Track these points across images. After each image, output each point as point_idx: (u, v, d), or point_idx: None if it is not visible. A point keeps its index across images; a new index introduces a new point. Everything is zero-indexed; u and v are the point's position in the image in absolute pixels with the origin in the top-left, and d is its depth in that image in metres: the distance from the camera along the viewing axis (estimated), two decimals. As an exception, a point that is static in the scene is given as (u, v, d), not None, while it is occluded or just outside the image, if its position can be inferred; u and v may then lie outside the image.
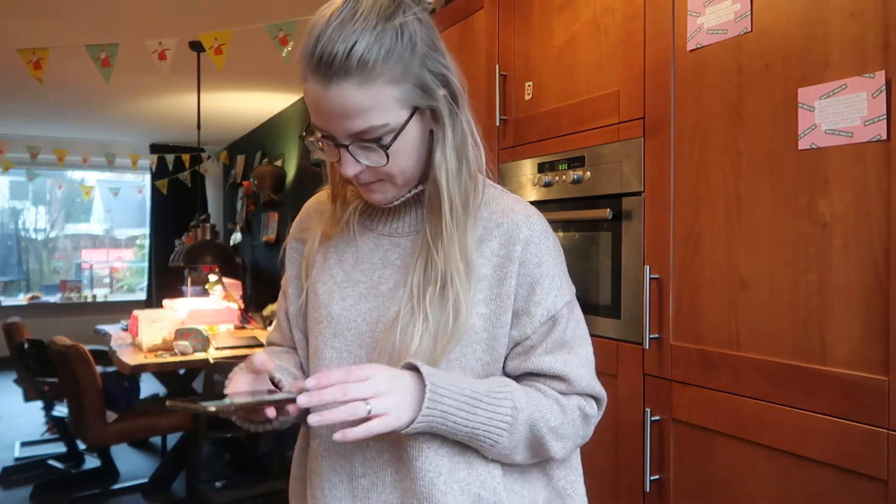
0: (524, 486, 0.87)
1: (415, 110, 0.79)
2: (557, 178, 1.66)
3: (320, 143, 0.81)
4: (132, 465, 3.82)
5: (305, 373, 0.95)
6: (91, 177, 7.91)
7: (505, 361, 0.87)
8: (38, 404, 4.10)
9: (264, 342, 1.07)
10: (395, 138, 0.77)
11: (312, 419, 0.70)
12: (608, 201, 1.52)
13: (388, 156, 0.78)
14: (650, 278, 1.38)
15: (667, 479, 1.36)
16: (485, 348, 0.84)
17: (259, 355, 0.78)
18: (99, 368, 3.13)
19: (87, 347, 3.08)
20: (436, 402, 0.75)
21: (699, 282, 1.30)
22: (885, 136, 1.00)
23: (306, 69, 0.75)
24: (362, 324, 0.86)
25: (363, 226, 0.93)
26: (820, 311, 1.09)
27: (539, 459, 0.87)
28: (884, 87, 1.00)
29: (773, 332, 1.16)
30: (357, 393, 0.72)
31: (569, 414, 0.85)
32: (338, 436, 0.71)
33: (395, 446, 0.83)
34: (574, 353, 0.87)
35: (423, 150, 0.83)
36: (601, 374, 1.53)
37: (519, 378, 0.87)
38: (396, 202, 0.87)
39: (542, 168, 1.73)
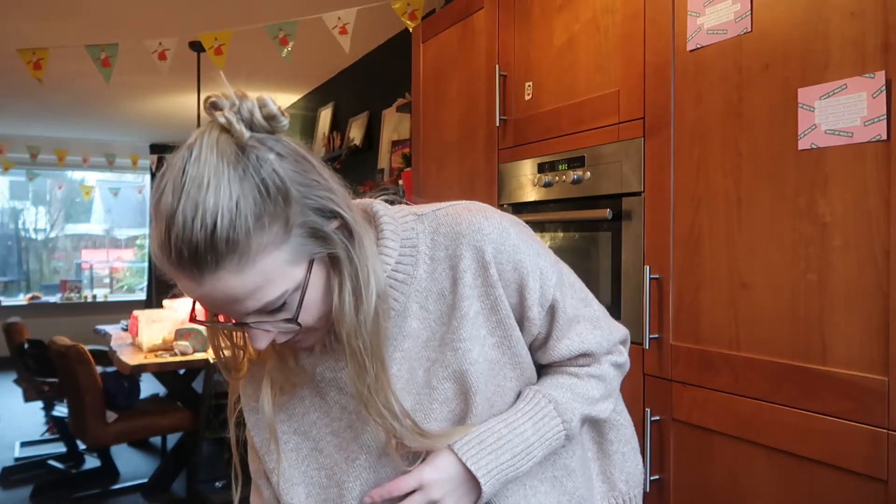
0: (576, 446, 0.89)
1: (311, 261, 0.68)
2: (557, 178, 1.66)
3: (219, 325, 0.73)
4: (132, 465, 3.82)
5: None
6: (91, 177, 7.91)
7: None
8: (38, 404, 4.09)
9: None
10: (299, 301, 0.68)
11: None
12: (608, 201, 1.52)
13: (297, 321, 0.68)
14: (650, 278, 1.38)
15: (667, 479, 1.36)
16: (512, 366, 0.83)
17: None
18: (99, 368, 3.13)
19: (87, 347, 3.08)
20: (493, 487, 0.75)
21: (699, 282, 1.30)
22: (885, 136, 1.00)
23: (168, 266, 0.63)
24: (371, 443, 0.80)
25: (337, 346, 0.81)
26: (820, 311, 1.09)
27: None
28: (884, 87, 1.00)
29: (773, 332, 1.16)
30: None
31: (607, 377, 0.86)
32: None
33: None
34: (583, 321, 0.85)
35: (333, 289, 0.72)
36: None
37: (544, 367, 0.88)
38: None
39: (542, 168, 1.73)
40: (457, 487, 0.74)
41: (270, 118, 0.65)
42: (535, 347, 0.86)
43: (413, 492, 0.73)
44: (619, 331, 0.90)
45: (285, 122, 0.66)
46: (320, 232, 0.67)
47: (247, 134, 0.63)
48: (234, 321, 0.70)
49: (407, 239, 0.80)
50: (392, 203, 0.84)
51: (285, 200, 0.63)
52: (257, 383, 0.83)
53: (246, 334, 0.73)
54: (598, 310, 0.89)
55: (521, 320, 0.82)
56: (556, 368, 0.87)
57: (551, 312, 0.83)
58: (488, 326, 0.80)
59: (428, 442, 0.75)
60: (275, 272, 0.64)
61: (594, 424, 0.93)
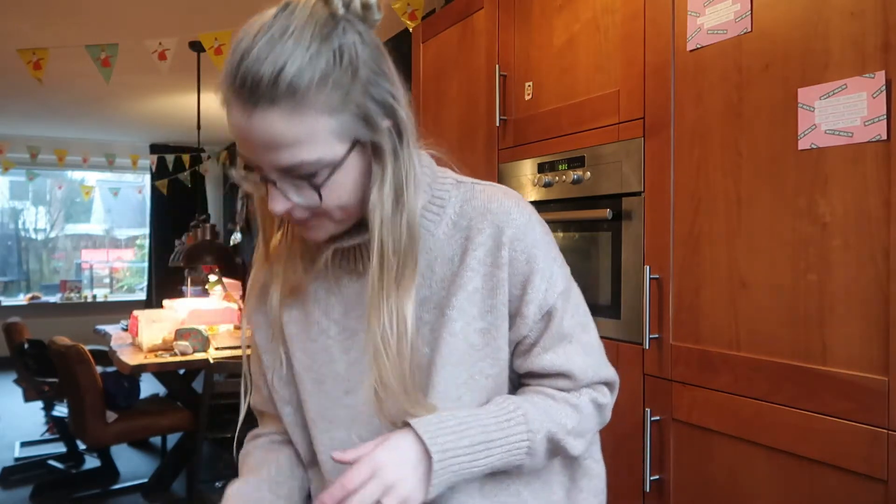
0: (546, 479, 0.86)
1: (355, 144, 0.69)
2: (557, 178, 1.66)
3: (245, 175, 0.73)
4: (132, 465, 3.82)
5: (303, 458, 0.88)
6: (91, 177, 7.91)
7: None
8: (38, 404, 4.09)
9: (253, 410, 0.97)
10: (329, 176, 0.69)
11: None
12: (608, 201, 1.52)
13: (321, 195, 0.69)
14: (650, 278, 1.38)
15: (667, 479, 1.36)
16: (491, 363, 0.80)
17: None
18: (99, 368, 3.13)
19: (87, 347, 3.08)
20: (445, 469, 0.71)
21: (699, 282, 1.30)
22: (885, 136, 1.00)
23: (228, 91, 0.65)
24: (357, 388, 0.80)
25: (339, 267, 0.83)
26: (820, 311, 1.09)
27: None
28: (884, 87, 1.00)
29: (773, 332, 1.16)
30: (369, 499, 0.67)
31: (583, 411, 0.81)
32: None
33: None
34: (575, 342, 0.81)
35: (365, 187, 0.73)
36: (601, 374, 1.53)
37: (523, 377, 0.85)
38: (355, 241, 0.79)
39: (542, 168, 1.73)
40: (412, 470, 0.70)
41: (366, 7, 0.69)
42: (519, 353, 0.83)
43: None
44: (610, 371, 0.85)
45: (378, 16, 0.70)
46: (372, 120, 0.69)
47: (342, 10, 0.67)
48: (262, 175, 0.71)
49: (438, 197, 0.81)
50: (437, 161, 0.86)
51: (353, 75, 0.66)
52: (266, 286, 0.86)
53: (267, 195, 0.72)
54: (594, 340, 0.85)
55: (515, 315, 0.80)
56: (533, 387, 0.83)
57: (547, 319, 0.81)
58: (481, 308, 0.79)
59: (405, 401, 0.74)
60: (318, 134, 0.66)
61: (567, 467, 0.87)
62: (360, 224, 0.77)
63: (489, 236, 0.79)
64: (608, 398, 0.86)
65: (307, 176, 0.68)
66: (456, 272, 0.79)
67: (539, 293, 0.80)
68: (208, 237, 4.35)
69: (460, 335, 0.78)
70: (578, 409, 0.81)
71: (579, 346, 0.82)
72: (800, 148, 1.12)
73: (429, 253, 0.80)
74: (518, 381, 0.86)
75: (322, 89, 0.64)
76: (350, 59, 0.66)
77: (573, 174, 1.60)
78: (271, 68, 0.62)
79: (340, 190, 0.71)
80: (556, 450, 0.79)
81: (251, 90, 0.63)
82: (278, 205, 0.70)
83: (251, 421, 0.96)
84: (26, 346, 3.87)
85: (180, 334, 3.32)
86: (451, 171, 0.86)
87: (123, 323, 4.32)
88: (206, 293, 4.99)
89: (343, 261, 0.83)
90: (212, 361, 3.06)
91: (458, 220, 0.80)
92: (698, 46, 1.30)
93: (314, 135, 0.66)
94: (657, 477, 1.38)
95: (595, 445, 0.92)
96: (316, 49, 0.64)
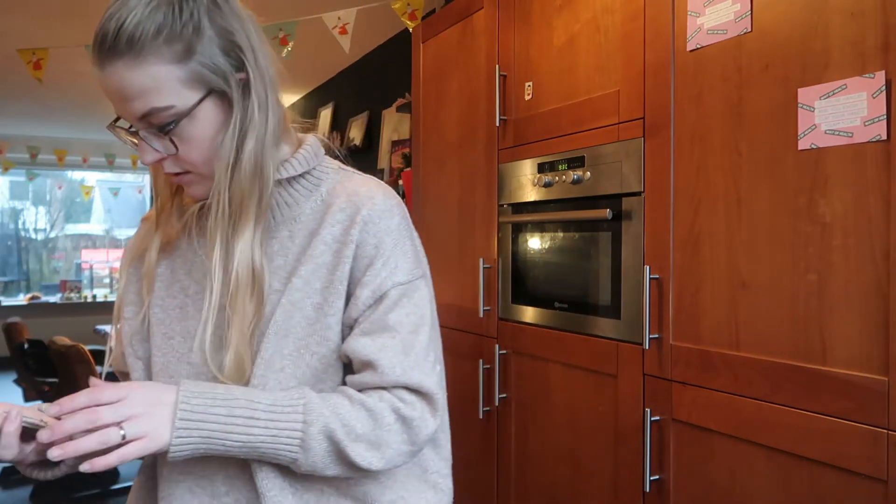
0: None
1: (208, 93, 0.74)
2: (557, 178, 1.66)
3: (119, 131, 0.79)
4: (132, 464, 3.81)
5: None
6: (91, 177, 7.91)
7: None
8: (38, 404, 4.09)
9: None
10: (179, 120, 0.73)
11: (53, 453, 0.63)
12: (608, 201, 1.52)
13: (174, 143, 0.74)
14: (650, 278, 1.38)
15: (667, 480, 1.36)
16: (318, 340, 0.79)
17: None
18: (99, 368, 3.13)
19: (87, 347, 3.08)
20: (191, 422, 0.69)
21: (699, 282, 1.30)
22: (885, 137, 1.00)
23: (90, 53, 0.73)
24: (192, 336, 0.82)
25: (204, 232, 0.84)
26: (820, 311, 1.09)
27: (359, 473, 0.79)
28: (884, 87, 1.00)
29: (773, 332, 1.16)
30: (109, 418, 0.66)
31: (380, 419, 0.75)
32: (85, 466, 0.65)
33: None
34: (398, 338, 0.78)
35: None
36: (601, 374, 1.53)
37: (348, 364, 0.83)
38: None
39: (542, 168, 1.73)
40: (162, 415, 0.69)
41: None
42: (345, 338, 0.82)
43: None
44: (427, 380, 0.78)
45: None
46: (221, 71, 0.74)
47: None
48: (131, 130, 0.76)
49: (315, 176, 0.86)
50: (328, 151, 0.91)
51: (195, 28, 0.72)
52: (144, 242, 0.90)
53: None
54: (422, 344, 0.80)
55: (349, 295, 0.81)
56: (339, 387, 0.81)
57: (377, 304, 0.79)
58: (322, 282, 0.80)
59: (223, 360, 0.76)
60: (164, 82, 0.71)
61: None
62: None
63: (347, 215, 0.81)
64: (418, 412, 0.78)
65: (164, 125, 0.73)
66: (308, 243, 0.81)
67: (377, 278, 0.80)
68: (208, 237, 4.34)
69: (297, 305, 0.79)
70: (374, 416, 0.76)
71: (399, 341, 0.78)
72: (800, 148, 1.12)
73: (293, 223, 0.83)
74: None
75: (158, 39, 0.70)
76: (191, 13, 0.72)
77: (573, 174, 1.60)
78: (115, 24, 0.69)
79: (198, 140, 0.75)
80: (339, 454, 0.74)
81: (100, 46, 0.70)
82: (146, 155, 0.76)
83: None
84: (26, 346, 3.87)
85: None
86: (339, 162, 0.90)
87: (123, 323, 4.31)
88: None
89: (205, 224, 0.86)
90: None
91: (327, 198, 0.84)
92: (698, 46, 1.30)
93: (160, 82, 0.71)
94: (657, 477, 1.38)
95: (442, 461, 0.89)
96: (155, 4, 0.70)
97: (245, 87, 0.76)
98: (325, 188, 0.85)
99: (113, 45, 0.69)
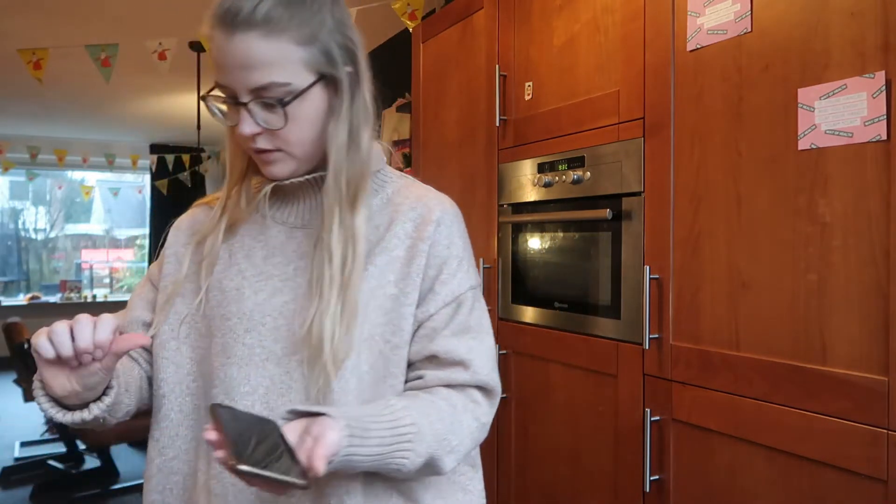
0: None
1: (320, 77, 0.79)
2: (557, 178, 1.66)
3: (219, 104, 0.81)
4: (132, 465, 3.82)
5: (157, 389, 0.88)
6: (91, 177, 7.91)
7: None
8: (38, 404, 4.09)
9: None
10: (294, 98, 0.77)
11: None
12: (608, 201, 1.52)
13: (286, 116, 0.77)
14: (650, 278, 1.38)
15: (667, 480, 1.36)
16: (393, 330, 0.83)
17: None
18: (99, 368, 3.12)
19: (87, 347, 3.07)
20: (344, 463, 0.70)
21: (699, 282, 1.30)
22: (885, 137, 1.00)
23: (212, 21, 0.76)
24: (279, 318, 0.83)
25: (272, 218, 0.90)
26: (820, 311, 1.09)
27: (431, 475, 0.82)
28: (884, 87, 1.00)
29: (773, 332, 1.16)
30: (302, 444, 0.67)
31: (465, 426, 0.81)
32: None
33: None
34: (479, 340, 0.86)
35: (325, 127, 0.82)
36: (601, 374, 1.53)
37: (419, 363, 0.85)
38: (297, 179, 0.85)
39: (542, 168, 1.73)
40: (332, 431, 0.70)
41: None
42: (421, 336, 0.84)
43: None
44: (497, 379, 0.86)
45: None
46: (335, 61, 0.80)
47: None
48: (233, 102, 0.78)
49: (380, 179, 0.91)
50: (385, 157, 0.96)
51: (321, 19, 0.78)
52: (199, 224, 0.93)
53: (238, 123, 0.79)
54: (493, 346, 0.88)
55: (427, 292, 0.84)
56: (426, 369, 0.83)
57: (456, 306, 0.85)
58: (397, 275, 0.84)
59: (326, 363, 0.76)
60: (288, 59, 0.76)
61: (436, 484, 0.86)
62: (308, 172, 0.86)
63: (419, 213, 0.87)
64: (488, 415, 0.85)
65: (276, 99, 0.76)
66: (382, 237, 0.85)
67: (454, 278, 0.85)
68: (208, 237, 4.34)
69: (373, 293, 0.82)
70: (462, 425, 0.81)
71: (481, 343, 0.86)
72: (800, 148, 1.12)
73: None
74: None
75: (292, 22, 0.75)
76: (320, 5, 0.78)
77: (573, 174, 1.60)
78: (251, 3, 0.74)
79: (302, 120, 0.79)
80: (431, 468, 0.79)
81: (233, 18, 0.74)
82: (247, 127, 0.78)
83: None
84: (26, 346, 3.87)
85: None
86: (387, 168, 0.95)
87: (123, 323, 4.31)
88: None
89: (277, 211, 0.89)
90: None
91: (393, 198, 0.89)
92: (698, 46, 1.30)
93: (285, 59, 0.76)
94: (657, 477, 1.38)
95: (467, 466, 0.91)
96: None
97: (353, 79, 0.82)
98: (390, 189, 0.91)
99: (250, 17, 0.74)
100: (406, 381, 0.85)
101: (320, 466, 0.64)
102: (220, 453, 0.62)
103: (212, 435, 0.64)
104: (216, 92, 0.80)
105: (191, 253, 0.91)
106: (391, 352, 0.83)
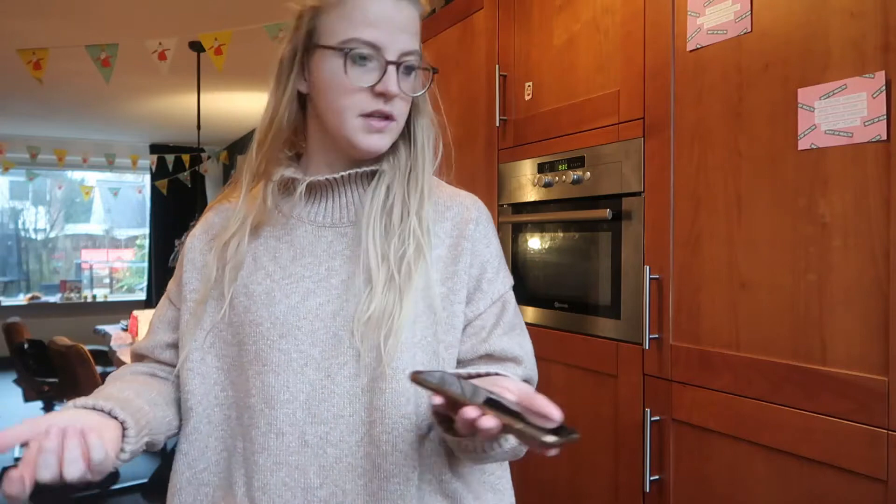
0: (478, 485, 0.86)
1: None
2: (557, 178, 1.66)
3: (361, 57, 0.80)
4: (132, 465, 3.82)
5: (185, 408, 0.83)
6: (91, 177, 7.91)
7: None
8: (38, 404, 4.09)
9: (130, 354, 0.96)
10: (420, 67, 0.83)
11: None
12: (608, 201, 1.52)
13: (420, 82, 0.84)
14: (650, 278, 1.38)
15: (667, 480, 1.36)
16: (445, 329, 0.82)
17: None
18: (99, 368, 3.13)
19: (87, 347, 3.08)
20: None
21: (699, 282, 1.30)
22: (885, 137, 1.00)
23: None
24: (315, 321, 0.80)
25: (296, 217, 0.87)
26: (820, 311, 1.09)
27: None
28: (884, 87, 1.00)
29: (773, 332, 1.16)
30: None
31: None
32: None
33: (356, 450, 0.78)
34: (524, 337, 0.89)
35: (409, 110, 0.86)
36: (601, 374, 1.53)
37: (472, 361, 0.85)
38: (348, 172, 0.85)
39: (541, 168, 1.73)
40: None
41: None
42: (472, 334, 0.85)
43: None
44: (536, 374, 0.89)
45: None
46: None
47: None
48: (388, 63, 0.80)
49: None
50: None
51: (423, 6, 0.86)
52: (215, 227, 0.90)
53: (380, 79, 0.81)
54: (531, 344, 0.90)
55: (475, 291, 0.85)
56: (480, 365, 0.82)
57: (501, 306, 0.87)
58: (443, 273, 0.84)
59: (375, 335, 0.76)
60: (419, 34, 0.85)
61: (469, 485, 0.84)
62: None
63: (456, 213, 0.88)
64: None
65: (415, 64, 0.82)
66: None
67: (498, 277, 0.87)
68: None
69: (422, 293, 0.81)
70: None
71: (527, 340, 0.89)
72: (800, 148, 1.12)
73: None
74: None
75: (422, 8, 0.85)
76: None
77: (573, 174, 1.60)
78: None
79: (415, 92, 0.84)
80: (515, 452, 0.78)
81: None
82: (396, 85, 0.80)
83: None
84: (26, 346, 3.87)
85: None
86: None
87: (123, 323, 4.32)
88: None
89: (302, 209, 0.87)
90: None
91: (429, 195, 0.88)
92: (698, 46, 1.30)
93: (418, 33, 0.84)
94: (657, 477, 1.38)
95: (497, 466, 0.90)
96: None
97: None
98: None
99: None
100: None
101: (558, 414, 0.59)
102: (490, 420, 0.58)
103: (438, 400, 0.63)
104: (355, 46, 0.79)
105: (214, 259, 0.86)
106: (445, 351, 0.82)
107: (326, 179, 0.84)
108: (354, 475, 0.77)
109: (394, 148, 0.86)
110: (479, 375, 0.72)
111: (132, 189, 8.08)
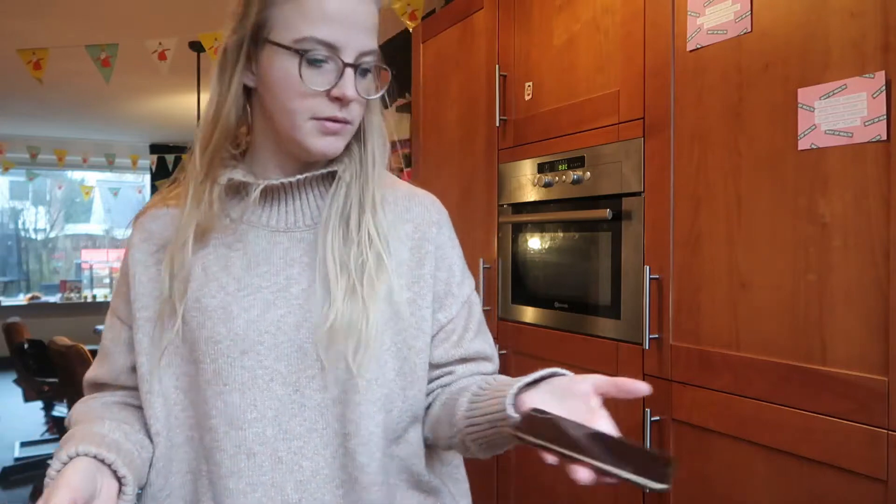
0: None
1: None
2: (557, 178, 1.66)
3: (317, 60, 0.73)
4: (132, 465, 3.82)
5: (153, 430, 0.78)
6: (91, 177, 7.92)
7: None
8: (38, 404, 4.09)
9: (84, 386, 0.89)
10: (378, 67, 0.77)
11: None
12: (608, 201, 1.52)
13: (377, 86, 0.78)
14: (650, 278, 1.38)
15: (667, 480, 1.36)
16: (414, 334, 0.80)
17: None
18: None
19: (87, 347, 3.08)
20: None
21: (699, 282, 1.30)
22: (885, 137, 1.00)
23: None
24: (278, 334, 0.76)
25: (247, 222, 0.81)
26: (820, 311, 1.09)
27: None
28: (884, 87, 1.00)
29: (773, 332, 1.16)
30: None
31: None
32: None
33: (332, 462, 0.76)
34: (488, 332, 0.90)
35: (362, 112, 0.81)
36: (601, 374, 1.53)
37: (447, 364, 0.85)
38: (303, 176, 0.79)
39: (541, 168, 1.73)
40: None
41: None
42: (444, 339, 0.84)
43: None
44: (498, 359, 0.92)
45: None
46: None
47: None
48: (344, 64, 0.74)
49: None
50: None
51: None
52: (156, 236, 0.82)
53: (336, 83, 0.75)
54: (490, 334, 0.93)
55: (445, 296, 0.84)
56: (455, 368, 0.84)
57: (469, 307, 0.87)
58: (408, 278, 0.82)
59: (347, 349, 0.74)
60: (377, 32, 0.78)
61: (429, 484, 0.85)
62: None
63: (417, 214, 0.85)
64: None
65: (373, 65, 0.77)
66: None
67: (465, 280, 0.87)
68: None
69: (386, 300, 0.78)
70: None
71: (489, 334, 0.91)
72: (800, 148, 1.12)
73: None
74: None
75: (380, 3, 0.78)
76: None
77: (573, 174, 1.60)
78: None
79: (370, 94, 0.79)
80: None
81: None
82: (350, 89, 0.74)
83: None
84: (26, 346, 3.87)
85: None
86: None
87: (123, 323, 4.31)
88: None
89: (255, 214, 0.81)
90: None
91: (388, 197, 0.85)
92: (698, 46, 1.30)
93: (377, 31, 0.78)
94: (657, 477, 1.38)
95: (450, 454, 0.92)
96: None
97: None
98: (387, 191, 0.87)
99: None
100: (433, 380, 0.85)
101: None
102: (604, 479, 0.60)
103: (551, 459, 0.62)
104: (310, 46, 0.72)
105: (160, 272, 0.79)
106: (416, 356, 0.81)
107: (282, 183, 0.79)
108: (333, 486, 0.76)
109: (347, 148, 0.80)
110: (535, 382, 0.70)
111: (132, 189, 8.08)
